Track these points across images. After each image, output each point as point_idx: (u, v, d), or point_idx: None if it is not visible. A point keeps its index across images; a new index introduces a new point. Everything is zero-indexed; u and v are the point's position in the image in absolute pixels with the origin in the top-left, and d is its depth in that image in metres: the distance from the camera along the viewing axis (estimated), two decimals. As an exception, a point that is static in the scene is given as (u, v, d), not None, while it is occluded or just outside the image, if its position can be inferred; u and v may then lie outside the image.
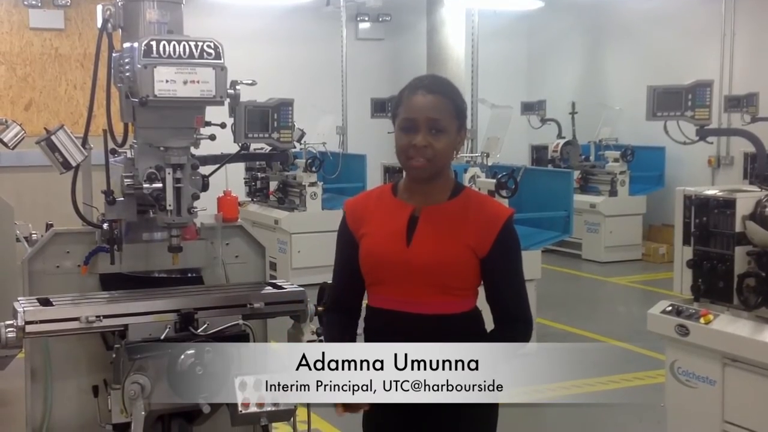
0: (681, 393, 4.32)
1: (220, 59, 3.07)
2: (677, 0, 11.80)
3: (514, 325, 2.58)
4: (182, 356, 2.80)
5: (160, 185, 3.08)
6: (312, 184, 9.47)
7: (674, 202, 4.44)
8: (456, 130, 2.54)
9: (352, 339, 2.61)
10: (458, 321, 2.53)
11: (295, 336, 3.20)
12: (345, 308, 2.66)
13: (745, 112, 8.90)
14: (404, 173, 2.63)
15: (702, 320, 4.16)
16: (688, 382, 4.28)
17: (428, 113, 2.48)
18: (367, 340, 2.64)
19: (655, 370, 6.07)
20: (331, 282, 2.71)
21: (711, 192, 4.30)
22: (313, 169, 9.47)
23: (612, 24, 12.99)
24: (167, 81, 2.98)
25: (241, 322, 3.02)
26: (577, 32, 13.71)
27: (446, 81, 2.62)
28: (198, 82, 3.03)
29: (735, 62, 10.86)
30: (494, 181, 6.71)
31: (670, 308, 4.36)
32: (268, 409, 2.86)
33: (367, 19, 13.61)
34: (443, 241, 2.50)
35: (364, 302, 2.68)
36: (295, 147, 7.91)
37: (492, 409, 2.64)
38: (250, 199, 10.17)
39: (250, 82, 3.41)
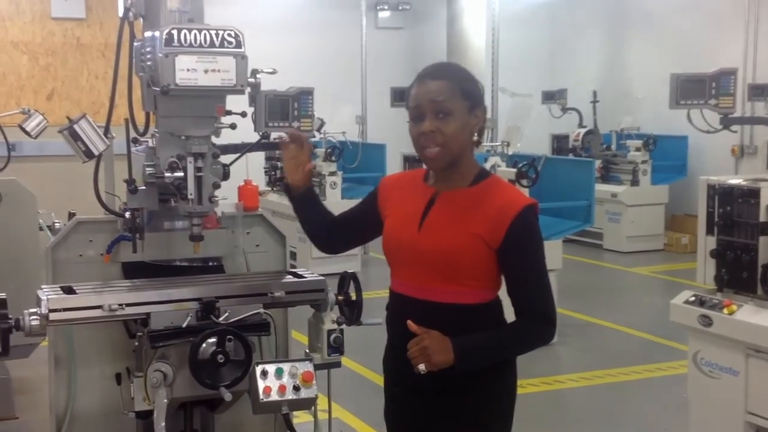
0: (704, 384, 4.29)
1: (241, 48, 3.06)
2: (700, -13, 11.69)
3: (531, 321, 2.49)
4: (204, 345, 2.81)
5: (181, 174, 3.08)
6: (332, 174, 9.48)
7: (697, 191, 4.40)
8: (466, 110, 2.48)
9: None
10: (470, 312, 2.49)
11: (315, 325, 3.19)
12: (332, 227, 2.86)
13: (769, 100, 8.78)
14: None
15: (725, 311, 4.13)
16: (711, 372, 4.24)
17: (431, 97, 2.47)
18: (387, 322, 2.67)
19: (677, 361, 6.04)
20: None
21: (735, 181, 4.26)
22: (333, 158, 9.47)
23: (634, 12, 12.88)
24: (188, 70, 2.98)
25: (262, 310, 3.01)
26: (599, 20, 13.60)
27: (453, 65, 2.62)
28: (219, 71, 3.02)
29: (759, 50, 10.74)
30: (515, 170, 6.68)
31: (693, 298, 4.33)
32: (290, 397, 2.88)
33: (386, 7, 13.58)
34: (451, 228, 2.47)
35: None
36: (314, 136, 7.94)
37: (507, 392, 2.61)
38: (270, 188, 10.19)
39: (270, 71, 3.40)
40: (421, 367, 2.39)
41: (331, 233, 2.89)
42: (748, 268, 4.08)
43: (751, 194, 4.10)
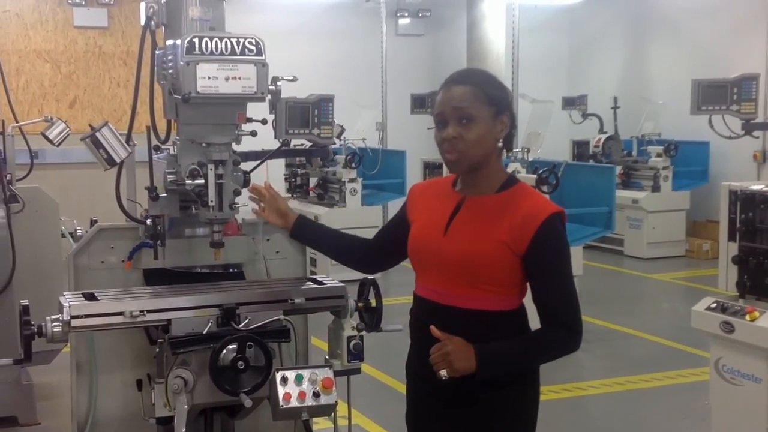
0: (726, 391, 4.25)
1: (262, 56, 3.08)
2: (722, -8, 11.61)
3: (555, 330, 2.46)
4: (224, 351, 2.82)
5: (202, 181, 3.10)
6: (352, 180, 9.49)
7: (719, 197, 4.37)
8: (491, 116, 2.48)
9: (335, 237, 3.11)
10: (493, 319, 2.48)
11: (335, 331, 3.20)
12: (365, 250, 2.98)
13: (791, 105, 8.72)
14: None
15: (748, 317, 4.09)
16: (734, 379, 4.21)
17: (454, 103, 2.48)
18: (411, 326, 2.67)
19: (699, 368, 5.99)
20: None
21: (757, 187, 4.23)
22: (353, 165, 9.49)
23: (655, 17, 12.81)
24: (209, 78, 3.00)
25: (282, 317, 3.02)
26: (619, 26, 13.55)
27: (478, 71, 2.63)
28: (240, 78, 3.04)
29: (781, 55, 10.66)
30: (535, 176, 6.67)
31: (715, 305, 4.29)
32: (310, 403, 2.88)
33: (407, 14, 13.59)
34: (476, 234, 2.47)
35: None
36: (335, 143, 7.95)
37: (530, 401, 2.60)
38: (290, 195, 10.22)
39: (291, 78, 3.42)
40: (443, 372, 2.38)
41: (369, 251, 3.00)
42: (771, 275, 4.05)
43: (774, 200, 4.07)
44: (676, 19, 12.36)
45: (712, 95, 4.81)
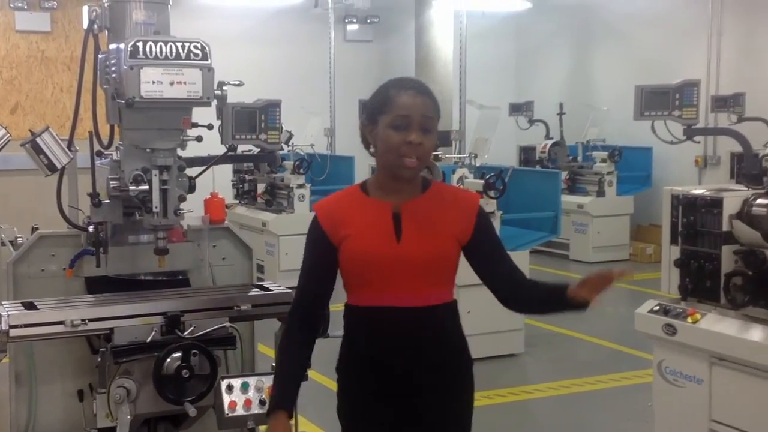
0: (668, 392, 4.32)
1: (207, 60, 3.06)
2: (664, 0, 11.84)
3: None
4: (168, 359, 2.79)
5: (146, 187, 3.07)
6: (300, 186, 9.45)
7: (662, 202, 4.45)
8: (436, 131, 2.61)
9: (304, 369, 2.63)
10: (447, 310, 2.63)
11: (282, 338, 3.18)
12: (309, 316, 2.62)
13: (731, 111, 8.93)
14: (377, 172, 2.64)
15: (689, 319, 4.17)
16: (676, 381, 4.28)
17: (423, 111, 2.53)
18: (354, 340, 2.63)
19: (643, 370, 6.08)
20: (298, 284, 2.64)
21: (698, 191, 4.31)
22: (301, 170, 9.45)
23: (599, 24, 13.02)
24: (154, 82, 2.97)
25: (227, 324, 3.00)
26: (565, 33, 13.74)
27: (426, 84, 2.66)
28: (185, 83, 3.02)
29: (722, 62, 10.90)
30: (482, 181, 6.71)
31: (658, 308, 4.37)
32: (256, 411, 2.86)
33: (355, 20, 13.60)
34: (431, 234, 2.56)
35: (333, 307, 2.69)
36: (282, 149, 7.92)
37: (472, 389, 2.73)
38: (237, 201, 10.14)
39: (237, 83, 3.40)
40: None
41: (318, 319, 2.72)
42: (712, 278, 4.13)
43: (714, 204, 4.16)
44: (620, 27, 12.58)
45: (655, 101, 4.90)
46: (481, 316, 6.68)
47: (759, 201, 4.06)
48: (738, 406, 4.01)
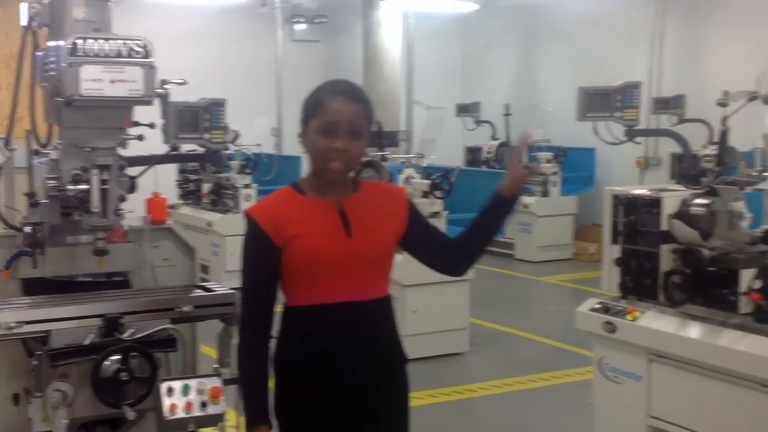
0: (608, 389, 4.39)
1: (149, 58, 3.03)
2: (608, 3, 12.03)
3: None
4: (107, 362, 2.75)
5: (85, 187, 3.02)
6: (246, 186, 9.38)
7: (604, 202, 4.52)
8: (368, 133, 2.64)
9: (268, 376, 2.59)
10: (390, 302, 2.70)
11: (225, 339, 3.16)
12: (263, 324, 2.58)
13: (672, 113, 9.11)
14: (310, 173, 2.66)
15: (629, 317, 4.24)
16: (615, 378, 4.35)
17: (351, 118, 2.54)
18: (301, 340, 2.59)
19: (585, 367, 6.17)
20: (243, 295, 2.60)
21: (638, 191, 4.38)
22: (248, 170, 9.39)
23: (545, 27, 13.18)
24: (94, 80, 2.94)
25: (168, 326, 2.97)
26: (511, 35, 13.87)
27: (361, 88, 2.67)
28: (126, 81, 2.98)
29: (664, 65, 11.12)
30: (429, 182, 6.75)
31: (599, 306, 4.43)
32: (197, 414, 2.84)
33: (302, 20, 13.56)
34: (374, 229, 2.62)
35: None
36: (228, 148, 7.85)
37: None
38: (182, 201, 10.04)
39: (180, 81, 3.37)
40: None
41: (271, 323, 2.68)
42: (651, 276, 4.20)
43: (653, 204, 4.23)
44: (565, 29, 12.75)
45: (597, 103, 4.97)
46: (427, 315, 6.74)
47: (697, 201, 4.14)
48: (675, 402, 4.09)
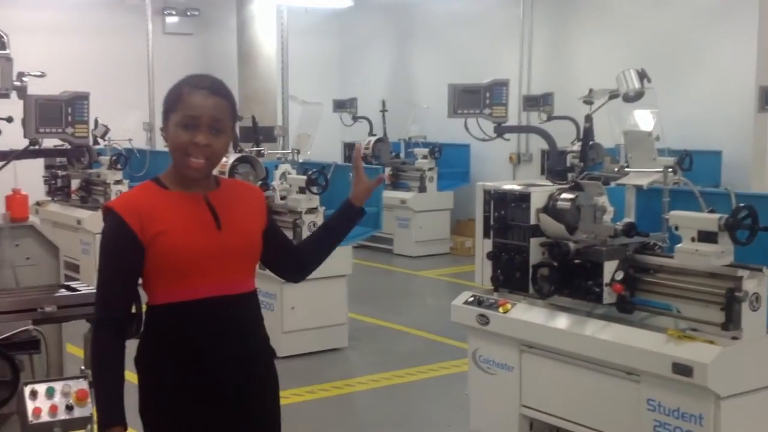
0: (482, 380, 4.50)
1: (5, 50, 2.90)
2: (479, 2, 12.30)
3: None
4: (-36, 367, 2.61)
5: (-63, 183, 2.86)
6: (117, 182, 9.11)
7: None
8: (232, 129, 2.61)
9: (123, 378, 2.49)
10: (257, 296, 2.69)
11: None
12: (119, 322, 2.51)
13: (542, 111, 9.39)
14: (172, 167, 2.58)
15: (501, 309, 4.36)
16: (489, 369, 4.46)
17: (212, 113, 2.50)
18: (171, 337, 2.53)
19: (461, 359, 6.29)
20: (99, 292, 2.51)
21: (508, 187, 4.51)
22: (119, 166, 9.12)
23: (419, 24, 13.36)
24: (-55, 71, 2.78)
25: (31, 327, 2.85)
26: (386, 32, 14.00)
27: (223, 82, 2.62)
28: (-20, 72, 2.84)
29: (533, 63, 11.46)
30: (305, 177, 6.73)
31: (472, 299, 4.53)
32: (62, 417, 2.74)
33: (174, 13, 13.29)
34: (244, 222, 2.62)
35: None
36: (90, 142, 7.57)
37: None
38: (50, 198, 9.65)
39: (38, 74, 3.24)
40: None
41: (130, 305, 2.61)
42: (521, 269, 4.33)
43: (523, 199, 4.36)
44: (439, 27, 12.96)
45: (467, 100, 5.06)
46: (305, 311, 6.72)
47: (563, 195, 4.29)
48: (545, 391, 4.23)
